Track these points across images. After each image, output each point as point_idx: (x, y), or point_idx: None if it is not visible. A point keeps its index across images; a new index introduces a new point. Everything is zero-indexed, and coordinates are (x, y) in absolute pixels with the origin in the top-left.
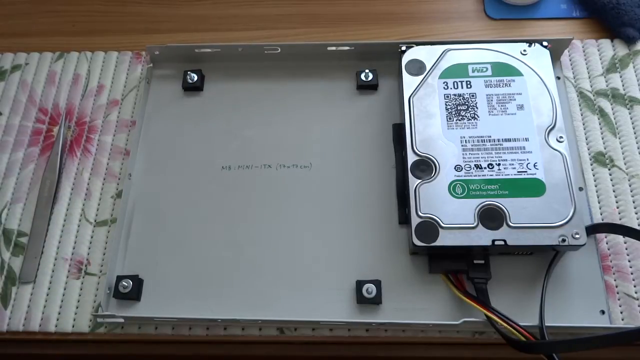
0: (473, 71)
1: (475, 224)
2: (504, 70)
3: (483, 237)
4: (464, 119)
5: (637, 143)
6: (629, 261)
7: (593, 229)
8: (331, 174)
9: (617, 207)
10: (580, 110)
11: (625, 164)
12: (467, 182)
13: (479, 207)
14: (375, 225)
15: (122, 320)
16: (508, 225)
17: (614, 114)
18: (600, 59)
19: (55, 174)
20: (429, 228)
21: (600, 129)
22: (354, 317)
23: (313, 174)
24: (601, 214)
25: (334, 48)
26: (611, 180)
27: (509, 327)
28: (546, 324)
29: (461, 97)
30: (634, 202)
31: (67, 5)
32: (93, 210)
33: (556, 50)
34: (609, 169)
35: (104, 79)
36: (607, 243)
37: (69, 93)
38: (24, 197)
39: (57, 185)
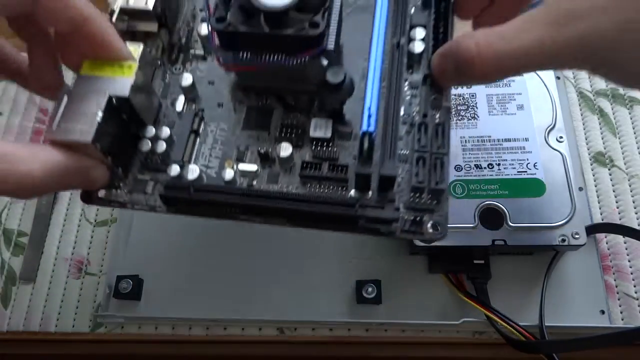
0: None
1: (475, 224)
2: None
3: (483, 237)
4: (464, 119)
5: (637, 143)
6: (629, 261)
7: (593, 229)
8: None
9: (617, 207)
10: (580, 110)
11: (625, 164)
12: (467, 182)
13: (479, 207)
14: None
15: (122, 320)
16: (508, 225)
17: (614, 114)
18: None
19: None
20: None
21: (600, 129)
22: (354, 317)
23: None
24: (601, 214)
25: None
26: (611, 180)
27: (509, 327)
28: (546, 324)
29: (461, 97)
30: (634, 202)
31: None
32: (93, 210)
33: None
34: (609, 169)
35: None
36: (607, 243)
37: None
38: None
39: None
